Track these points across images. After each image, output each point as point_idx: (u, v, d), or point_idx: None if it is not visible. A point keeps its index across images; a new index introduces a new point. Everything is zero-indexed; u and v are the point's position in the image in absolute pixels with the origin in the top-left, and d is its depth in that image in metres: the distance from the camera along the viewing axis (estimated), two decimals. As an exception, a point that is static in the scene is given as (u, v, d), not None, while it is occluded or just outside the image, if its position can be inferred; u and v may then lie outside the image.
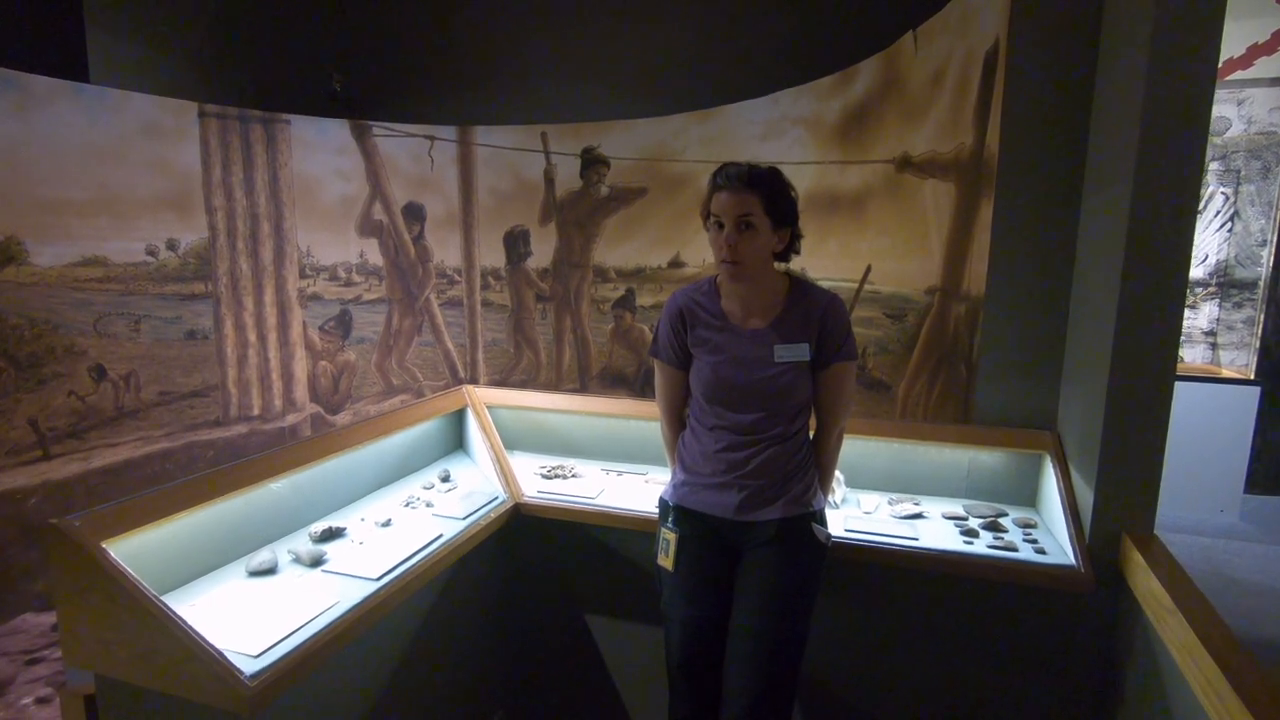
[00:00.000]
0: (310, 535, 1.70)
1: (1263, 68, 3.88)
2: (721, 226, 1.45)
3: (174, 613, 1.19)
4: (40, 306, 2.78)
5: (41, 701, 2.30)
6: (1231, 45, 3.77)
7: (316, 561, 1.58)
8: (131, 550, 1.29)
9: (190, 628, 1.18)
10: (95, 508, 1.26)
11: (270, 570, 1.54)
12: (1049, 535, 1.74)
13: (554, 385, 3.96)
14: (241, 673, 1.17)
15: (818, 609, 1.55)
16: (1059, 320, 1.84)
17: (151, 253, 3.10)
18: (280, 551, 1.61)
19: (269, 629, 1.31)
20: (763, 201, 1.44)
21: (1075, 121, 1.75)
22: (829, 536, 1.58)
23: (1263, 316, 4.03)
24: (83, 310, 2.91)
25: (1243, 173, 4.04)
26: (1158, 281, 1.44)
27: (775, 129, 3.21)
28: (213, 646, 1.17)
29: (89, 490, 2.91)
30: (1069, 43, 1.73)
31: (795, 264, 1.62)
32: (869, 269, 2.86)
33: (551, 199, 3.82)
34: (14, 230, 2.70)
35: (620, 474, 2.21)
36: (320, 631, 1.32)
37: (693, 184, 3.50)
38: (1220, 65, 1.61)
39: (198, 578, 1.50)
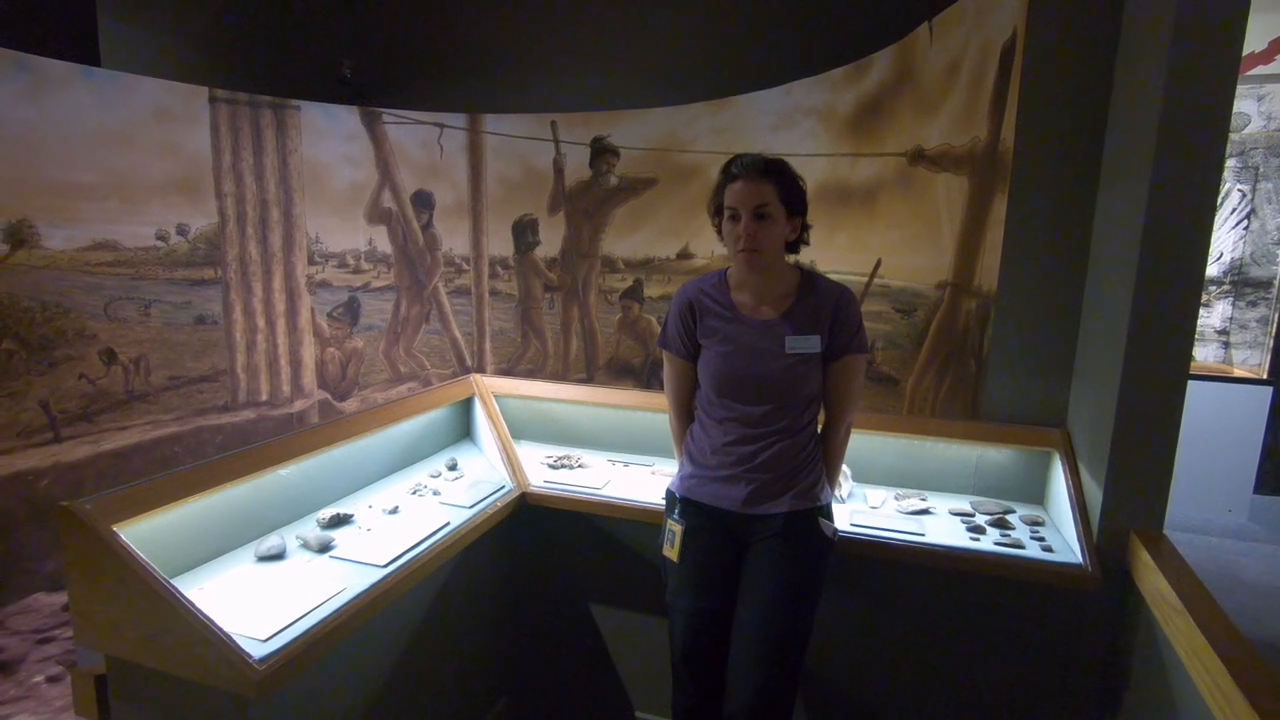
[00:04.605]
0: (318, 521, 1.71)
1: (1284, 63, 3.81)
2: (736, 217, 1.45)
3: (183, 596, 1.20)
4: (51, 289, 2.80)
5: (52, 680, 2.33)
6: (1253, 39, 3.70)
7: (324, 547, 1.59)
8: (142, 534, 1.30)
9: (199, 611, 1.19)
10: (106, 491, 1.27)
11: (279, 555, 1.55)
12: (1056, 533, 1.73)
13: (561, 375, 3.97)
14: (250, 656, 1.18)
15: (823, 604, 1.55)
16: (1071, 317, 1.82)
17: (162, 237, 3.11)
18: (289, 537, 1.62)
19: (277, 613, 1.32)
20: (778, 190, 1.45)
21: (1092, 115, 1.73)
22: (835, 531, 1.58)
23: (1277, 316, 3.99)
24: (93, 294, 2.93)
25: (1261, 170, 3.99)
26: (1173, 279, 1.42)
27: (787, 120, 3.19)
28: (221, 630, 1.18)
29: (99, 473, 2.93)
30: (1088, 35, 1.71)
31: (804, 256, 1.61)
32: (879, 263, 2.84)
33: (561, 188, 3.81)
34: (26, 213, 2.71)
35: (626, 465, 2.21)
36: (328, 617, 1.33)
37: (703, 174, 3.48)
38: (1241, 59, 1.59)
39: (207, 562, 1.51)
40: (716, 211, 1.52)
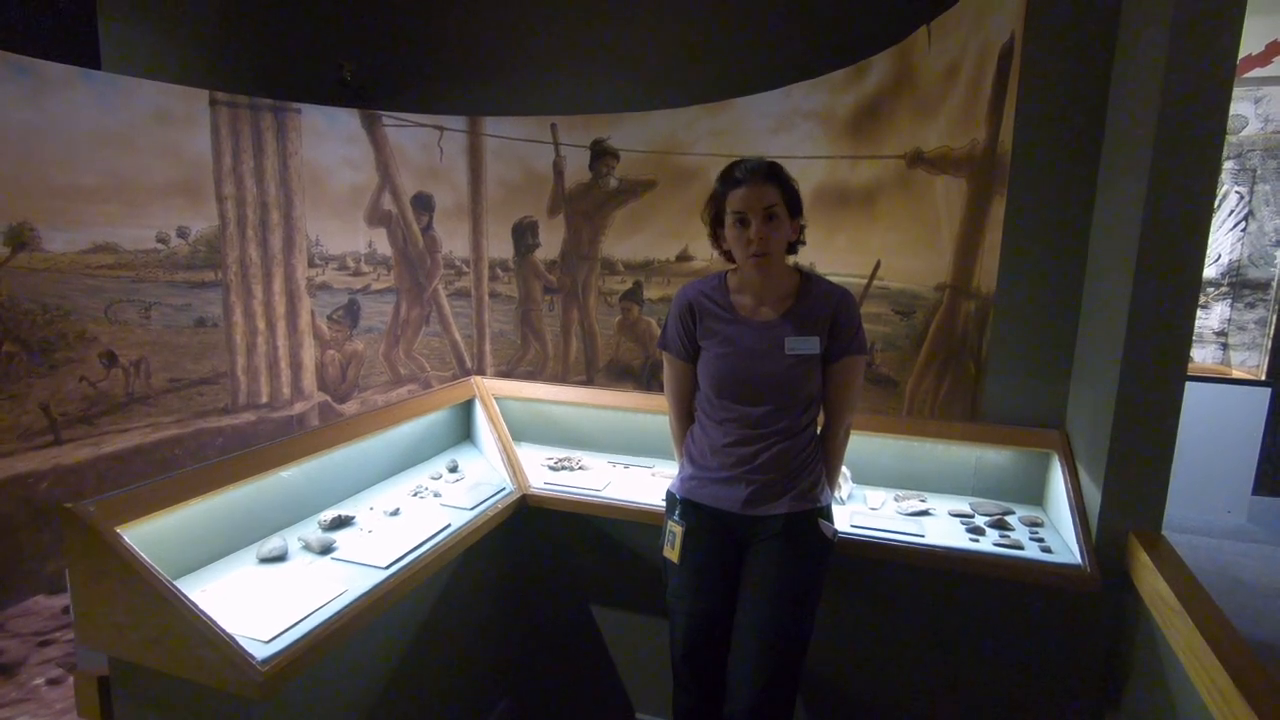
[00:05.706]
0: (320, 523, 1.71)
1: (1281, 65, 3.82)
2: (745, 222, 1.46)
3: (186, 598, 1.20)
4: (52, 292, 2.80)
5: (53, 683, 2.33)
6: (1250, 42, 3.72)
7: (326, 549, 1.60)
8: (145, 535, 1.30)
9: (202, 613, 1.19)
10: (109, 493, 1.28)
11: (280, 557, 1.55)
12: (1055, 534, 1.73)
13: (561, 377, 3.97)
14: (252, 658, 1.18)
15: (823, 604, 1.55)
16: (1070, 319, 1.83)
17: (162, 240, 3.12)
18: (290, 539, 1.63)
19: (279, 615, 1.32)
20: (781, 192, 1.46)
21: (1090, 118, 1.74)
22: (835, 532, 1.58)
23: (1275, 317, 4.00)
24: (94, 296, 2.93)
25: (1258, 172, 4.00)
26: (1171, 281, 1.43)
27: (786, 122, 3.20)
28: (224, 631, 1.19)
29: (99, 475, 2.94)
30: (1085, 38, 1.72)
31: (804, 258, 1.62)
32: (878, 264, 2.85)
33: (560, 191, 3.82)
34: (27, 216, 2.72)
35: (627, 466, 2.21)
36: (330, 619, 1.34)
37: (702, 177, 3.49)
38: (1238, 62, 1.60)
39: (209, 563, 1.51)
40: (716, 220, 1.53)
